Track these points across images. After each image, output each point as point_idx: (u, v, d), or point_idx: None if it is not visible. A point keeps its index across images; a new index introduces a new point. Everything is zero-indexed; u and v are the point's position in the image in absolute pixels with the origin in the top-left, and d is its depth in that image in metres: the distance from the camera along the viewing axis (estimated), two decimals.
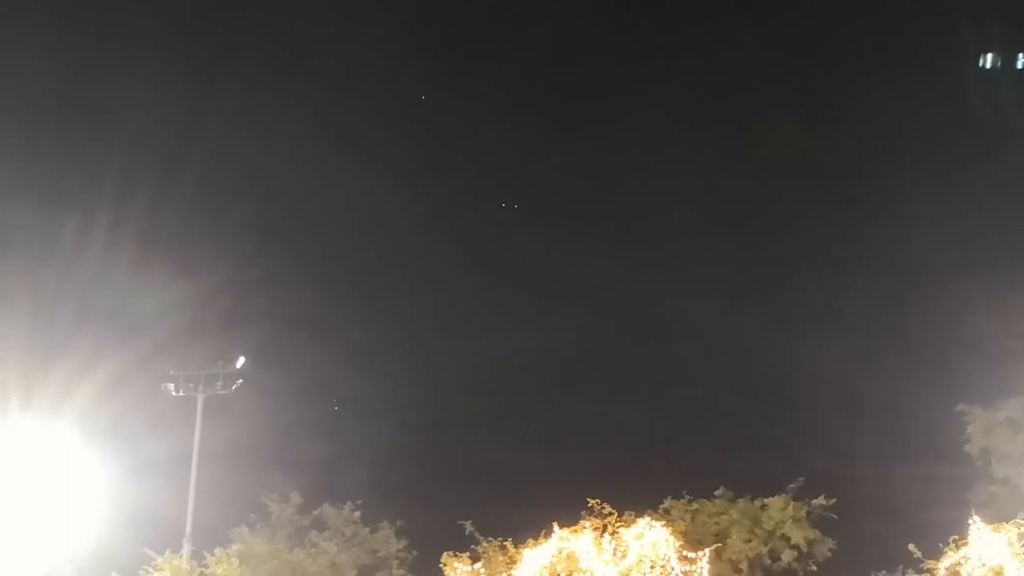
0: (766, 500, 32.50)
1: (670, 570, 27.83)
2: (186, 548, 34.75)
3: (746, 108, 49.76)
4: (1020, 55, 35.71)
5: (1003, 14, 37.65)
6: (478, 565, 29.25)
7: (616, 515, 29.59)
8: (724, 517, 32.67)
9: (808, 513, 32.13)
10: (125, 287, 40.24)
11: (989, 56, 36.01)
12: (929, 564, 26.52)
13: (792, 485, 32.53)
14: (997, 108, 38.85)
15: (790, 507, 32.11)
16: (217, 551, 32.98)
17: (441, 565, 29.79)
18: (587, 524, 29.20)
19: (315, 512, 35.97)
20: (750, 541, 32.12)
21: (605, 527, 29.20)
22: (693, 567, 28.07)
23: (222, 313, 40.67)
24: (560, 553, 28.15)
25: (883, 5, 47.16)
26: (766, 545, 32.17)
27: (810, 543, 32.06)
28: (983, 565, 25.11)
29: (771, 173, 47.13)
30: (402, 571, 35.33)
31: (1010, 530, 25.38)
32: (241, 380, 39.30)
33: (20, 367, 32.27)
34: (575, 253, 48.70)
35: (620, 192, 50.96)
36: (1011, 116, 38.53)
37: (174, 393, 38.92)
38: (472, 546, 30.76)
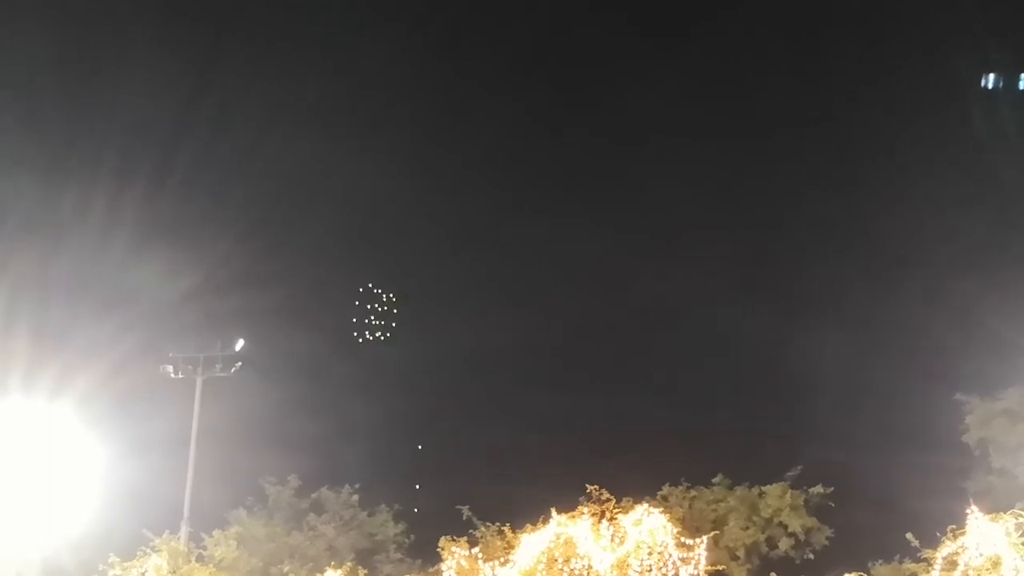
0: (764, 488, 32.52)
1: (668, 556, 27.78)
2: (184, 530, 34.90)
3: (760, 108, 49.91)
4: None
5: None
6: (476, 549, 29.17)
7: (614, 501, 29.54)
8: (722, 504, 32.71)
9: (806, 501, 32.14)
10: (125, 269, 40.27)
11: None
12: (926, 553, 26.43)
13: (790, 473, 32.59)
14: (995, 110, 38.93)
15: (788, 495, 32.13)
16: (215, 533, 33.02)
17: (439, 549, 29.75)
18: (585, 510, 29.09)
19: (313, 495, 36.05)
20: (748, 528, 32.16)
21: (603, 513, 29.14)
22: (691, 554, 28.01)
23: (222, 296, 40.70)
24: (558, 538, 28.04)
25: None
26: (763, 532, 32.20)
27: (807, 531, 32.09)
28: (981, 555, 25.04)
29: (777, 170, 47.29)
30: (400, 555, 35.41)
31: (1008, 520, 25.25)
32: (240, 363, 39.44)
33: (21, 347, 32.25)
34: (577, 240, 48.86)
35: (631, 182, 51.10)
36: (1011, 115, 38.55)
37: (173, 375, 39.04)
38: (470, 531, 30.77)
